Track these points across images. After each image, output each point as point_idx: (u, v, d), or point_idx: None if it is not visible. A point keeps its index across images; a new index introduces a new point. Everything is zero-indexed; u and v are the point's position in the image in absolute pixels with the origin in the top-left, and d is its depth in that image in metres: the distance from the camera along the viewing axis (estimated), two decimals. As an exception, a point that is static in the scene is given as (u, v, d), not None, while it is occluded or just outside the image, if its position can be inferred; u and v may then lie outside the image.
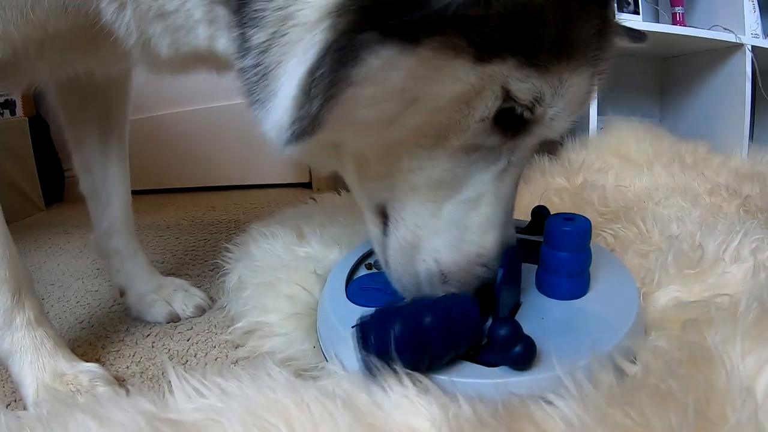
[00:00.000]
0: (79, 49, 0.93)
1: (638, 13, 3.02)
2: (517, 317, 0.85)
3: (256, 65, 0.66)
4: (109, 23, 0.81)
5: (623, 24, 0.82)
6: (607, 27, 0.70)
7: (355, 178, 0.82)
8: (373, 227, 0.86)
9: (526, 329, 0.75)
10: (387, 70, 0.60)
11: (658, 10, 3.39)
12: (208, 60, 0.85)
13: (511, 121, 0.70)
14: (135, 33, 0.80)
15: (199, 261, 1.73)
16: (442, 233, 0.79)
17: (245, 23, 0.67)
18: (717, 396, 0.62)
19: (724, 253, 1.08)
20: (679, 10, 3.20)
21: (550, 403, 0.65)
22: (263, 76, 0.65)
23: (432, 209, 0.78)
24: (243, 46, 0.68)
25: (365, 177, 0.81)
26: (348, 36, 0.57)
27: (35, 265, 1.86)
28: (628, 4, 2.97)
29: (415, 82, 0.62)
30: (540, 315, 0.86)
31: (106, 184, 1.29)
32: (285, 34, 0.63)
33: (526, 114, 0.69)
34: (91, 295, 1.48)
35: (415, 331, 0.70)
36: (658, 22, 3.34)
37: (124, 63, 0.91)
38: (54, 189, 3.12)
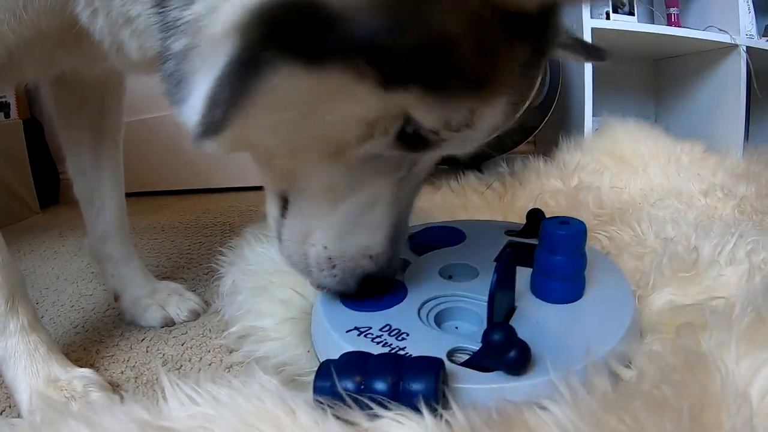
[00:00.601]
0: (66, 48, 0.93)
1: (633, 15, 3.02)
2: (512, 322, 0.84)
3: (176, 71, 0.68)
4: (85, 26, 0.82)
5: (582, 40, 0.78)
6: (537, 55, 0.66)
7: (262, 165, 0.85)
8: (272, 207, 0.89)
9: (521, 334, 0.74)
10: (287, 86, 0.60)
11: (653, 11, 3.39)
12: None
13: (416, 139, 0.69)
14: (108, 37, 0.82)
15: (194, 264, 1.73)
16: (335, 226, 0.83)
17: (166, 31, 0.69)
18: (712, 402, 0.62)
19: (719, 255, 1.08)
20: (674, 11, 3.20)
21: (544, 408, 0.65)
22: (181, 80, 0.67)
23: (328, 205, 0.81)
24: (165, 52, 0.70)
25: (271, 168, 0.83)
26: (251, 51, 0.57)
27: (30, 269, 1.86)
28: (623, 5, 2.98)
29: (315, 97, 0.63)
30: (535, 319, 0.85)
31: (100, 188, 1.29)
32: (198, 46, 0.64)
33: (432, 137, 0.68)
34: (86, 299, 1.48)
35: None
36: (653, 23, 3.35)
37: (107, 63, 0.91)
38: (49, 191, 3.12)
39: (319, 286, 0.90)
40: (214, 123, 0.61)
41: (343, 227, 0.83)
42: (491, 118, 0.66)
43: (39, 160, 2.97)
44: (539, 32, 0.64)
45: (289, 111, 0.65)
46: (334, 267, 0.85)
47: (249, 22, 0.56)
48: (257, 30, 0.56)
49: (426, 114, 0.64)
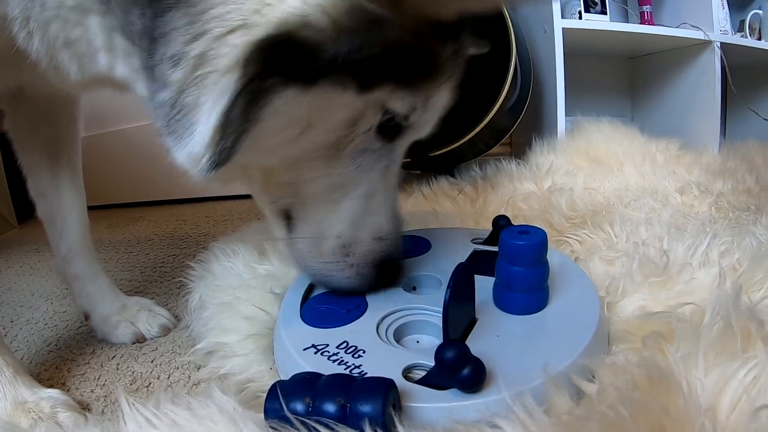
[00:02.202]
0: (8, 67, 0.93)
1: (606, 13, 3.02)
2: (472, 335, 0.84)
3: (174, 101, 0.71)
4: (22, 48, 0.83)
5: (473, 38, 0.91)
6: (460, 50, 0.85)
7: (260, 188, 0.93)
8: (277, 228, 0.97)
9: (480, 348, 0.75)
10: (289, 106, 0.71)
11: (626, 9, 3.40)
12: (111, 82, 0.88)
13: (391, 130, 0.86)
14: (45, 58, 0.83)
15: (167, 278, 1.72)
16: (343, 218, 0.92)
17: (160, 61, 0.71)
18: (674, 421, 0.61)
19: (692, 257, 1.08)
20: (647, 8, 3.20)
21: (497, 427, 0.65)
22: (180, 112, 0.71)
23: (333, 204, 0.91)
24: (159, 80, 0.72)
25: (271, 186, 0.91)
26: (256, 82, 0.67)
27: (5, 286, 1.84)
28: (595, 4, 2.98)
29: (311, 112, 0.75)
30: (495, 332, 0.85)
31: (61, 208, 1.29)
32: (202, 78, 0.69)
33: (403, 123, 0.86)
34: (59, 317, 1.47)
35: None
36: (626, 21, 3.36)
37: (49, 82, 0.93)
38: (26, 206, 3.09)
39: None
40: (225, 152, 0.70)
41: (351, 217, 0.92)
42: (440, 101, 0.87)
43: (16, 174, 2.94)
44: (457, 34, 0.82)
45: (290, 128, 0.76)
46: (349, 256, 0.94)
47: (251, 57, 0.65)
48: (259, 63, 0.66)
49: (398, 103, 0.81)
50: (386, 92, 0.78)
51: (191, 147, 0.71)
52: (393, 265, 1.00)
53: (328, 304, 0.97)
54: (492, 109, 2.23)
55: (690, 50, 3.12)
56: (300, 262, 0.99)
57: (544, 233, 0.90)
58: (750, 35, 3.36)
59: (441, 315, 0.78)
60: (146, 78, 0.75)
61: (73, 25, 0.78)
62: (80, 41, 0.80)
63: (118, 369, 1.15)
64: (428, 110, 0.86)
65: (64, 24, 0.78)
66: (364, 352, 0.82)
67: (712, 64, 3.01)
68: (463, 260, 1.04)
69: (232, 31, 0.66)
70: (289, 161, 0.84)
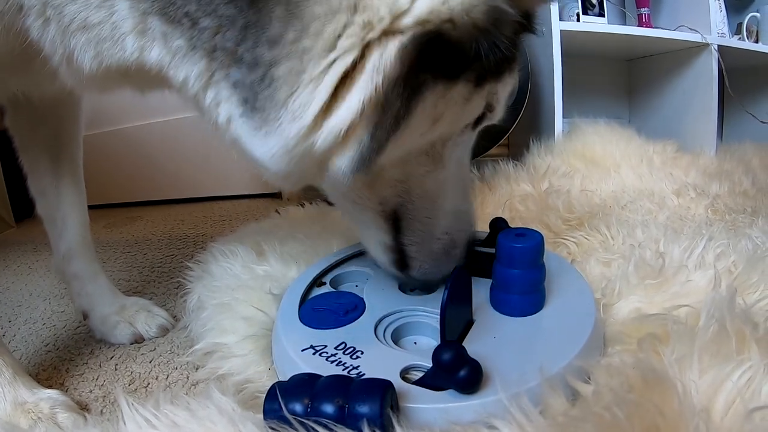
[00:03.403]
0: (16, 71, 0.92)
1: (603, 16, 3.02)
2: (469, 336, 0.85)
3: (269, 81, 0.69)
4: (36, 39, 0.80)
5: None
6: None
7: (366, 190, 0.89)
8: (381, 233, 0.95)
9: (477, 349, 0.75)
10: (435, 102, 0.73)
11: (624, 11, 3.40)
12: (133, 76, 0.84)
13: (477, 120, 0.86)
14: (60, 48, 0.80)
15: (165, 278, 1.72)
16: (448, 215, 0.94)
17: (251, 41, 0.69)
18: (668, 422, 0.62)
19: (688, 259, 1.09)
20: (644, 11, 3.20)
21: (494, 428, 0.66)
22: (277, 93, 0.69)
23: (439, 203, 0.92)
24: (244, 60, 0.70)
25: (380, 186, 0.88)
26: (412, 75, 0.67)
27: (3, 286, 1.84)
28: (593, 6, 2.98)
29: (445, 107, 0.76)
30: (492, 333, 0.86)
31: (61, 208, 1.29)
32: (328, 62, 0.67)
33: (488, 112, 0.85)
34: (57, 317, 1.47)
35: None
36: (624, 24, 3.36)
37: (57, 83, 0.90)
38: (24, 205, 3.08)
39: None
40: (376, 145, 0.70)
41: (454, 211, 0.95)
42: (511, 87, 0.87)
43: (14, 173, 2.94)
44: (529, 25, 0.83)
45: (425, 123, 0.76)
46: (455, 248, 0.97)
47: (409, 49, 0.65)
48: (412, 56, 0.66)
49: (496, 95, 0.83)
50: (492, 85, 0.80)
51: (290, 129, 0.69)
52: (471, 247, 1.02)
53: (326, 305, 0.97)
54: (490, 110, 2.23)
55: (687, 53, 3.12)
56: (419, 273, 0.98)
57: (541, 236, 0.91)
58: (747, 38, 3.36)
59: (438, 317, 0.79)
60: (202, 58, 0.72)
61: (95, 7, 0.75)
62: (102, 25, 0.76)
63: (116, 369, 1.15)
64: (503, 98, 0.87)
65: (85, 5, 0.75)
66: (362, 353, 0.83)
67: (710, 66, 3.02)
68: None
69: (381, 20, 0.65)
70: (406, 157, 0.84)
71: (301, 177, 0.78)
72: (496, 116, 0.90)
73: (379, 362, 0.80)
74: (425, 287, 1.00)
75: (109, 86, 0.94)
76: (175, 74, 0.75)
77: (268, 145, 0.70)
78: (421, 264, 0.96)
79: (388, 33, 0.65)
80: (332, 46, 0.66)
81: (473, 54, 0.69)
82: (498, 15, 0.69)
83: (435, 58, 0.68)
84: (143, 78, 0.82)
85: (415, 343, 0.92)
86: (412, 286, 1.01)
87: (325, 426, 0.66)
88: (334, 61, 0.66)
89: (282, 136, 0.69)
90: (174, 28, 0.71)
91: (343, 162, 0.71)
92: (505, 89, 0.85)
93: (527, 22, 0.80)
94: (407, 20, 0.65)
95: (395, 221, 0.92)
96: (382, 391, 0.68)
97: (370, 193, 0.89)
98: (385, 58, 0.65)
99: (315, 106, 0.67)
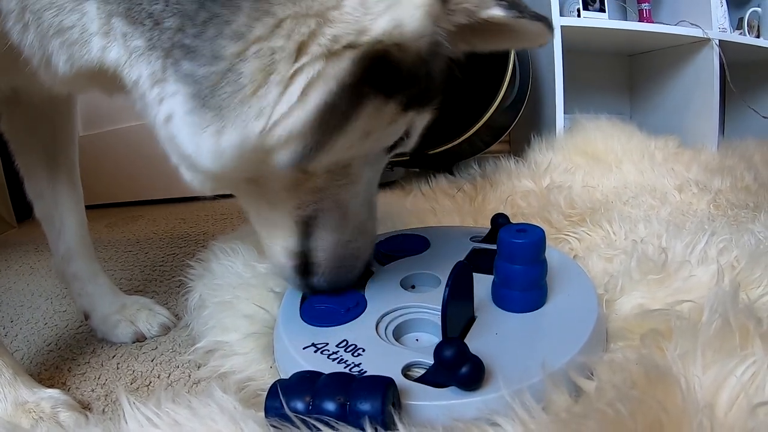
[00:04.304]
0: (4, 70, 0.92)
1: (604, 11, 3.01)
2: (471, 333, 0.85)
3: (236, 77, 0.69)
4: (16, 43, 0.81)
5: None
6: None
7: (287, 194, 0.89)
8: (289, 238, 0.95)
9: (479, 345, 0.75)
10: (371, 114, 0.76)
11: (625, 7, 3.40)
12: (99, 78, 0.84)
13: (395, 144, 0.90)
14: (38, 52, 0.81)
15: (166, 277, 1.72)
16: (357, 225, 0.96)
17: (210, 37, 0.69)
18: (672, 418, 0.61)
19: (691, 255, 1.08)
20: (645, 6, 3.20)
21: (496, 425, 0.65)
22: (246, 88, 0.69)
23: (350, 212, 0.94)
24: (203, 55, 0.70)
25: (302, 192, 0.89)
26: (359, 84, 0.70)
27: (5, 286, 1.84)
28: (594, 2, 2.97)
29: (376, 123, 0.79)
30: (494, 330, 0.85)
31: (59, 209, 1.29)
32: (285, 62, 0.69)
33: (404, 140, 0.90)
34: (59, 316, 1.47)
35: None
36: (625, 19, 3.36)
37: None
38: (25, 205, 3.08)
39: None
40: (318, 144, 0.74)
41: (362, 223, 0.97)
42: (423, 125, 0.91)
43: (15, 173, 2.94)
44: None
45: (358, 133, 0.78)
46: (357, 258, 0.99)
47: (361, 59, 0.69)
48: (362, 67, 0.69)
49: (414, 126, 0.87)
50: (414, 114, 0.84)
51: (265, 127, 0.70)
52: (370, 262, 1.06)
53: (328, 302, 0.97)
54: (491, 107, 2.24)
55: (688, 48, 3.12)
56: (322, 281, 0.99)
57: (542, 231, 0.91)
58: (748, 33, 3.36)
59: (440, 313, 0.79)
60: (159, 57, 0.72)
61: (68, 12, 0.76)
62: (74, 28, 0.77)
63: (118, 368, 1.15)
64: (418, 129, 0.91)
65: (59, 10, 0.76)
66: (363, 350, 0.82)
67: (711, 61, 3.02)
68: (462, 258, 1.04)
69: (347, 35, 0.68)
70: (332, 167, 0.86)
71: (235, 175, 0.80)
72: (409, 145, 0.93)
73: (381, 359, 0.80)
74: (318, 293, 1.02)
75: (80, 87, 0.97)
76: (129, 74, 0.76)
77: (219, 141, 0.71)
78: (324, 271, 0.97)
79: (348, 46, 0.68)
80: (304, 51, 0.68)
81: (410, 78, 0.75)
82: (438, 49, 0.77)
83: (379, 75, 0.72)
84: (108, 80, 0.82)
85: (417, 340, 0.91)
86: (308, 291, 1.02)
87: (326, 423, 0.66)
88: (304, 65, 0.68)
89: (242, 132, 0.70)
90: (135, 29, 0.72)
91: (284, 156, 0.74)
92: (422, 121, 0.89)
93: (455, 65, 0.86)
94: (365, 38, 0.68)
95: (306, 227, 0.93)
96: (383, 389, 0.67)
97: (291, 196, 0.89)
98: (342, 67, 0.69)
99: (283, 106, 0.69)
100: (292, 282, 1.00)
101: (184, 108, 0.71)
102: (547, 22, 0.90)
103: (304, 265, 0.96)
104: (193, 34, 0.69)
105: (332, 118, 0.71)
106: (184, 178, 0.84)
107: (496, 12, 0.81)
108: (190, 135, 0.72)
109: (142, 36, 0.72)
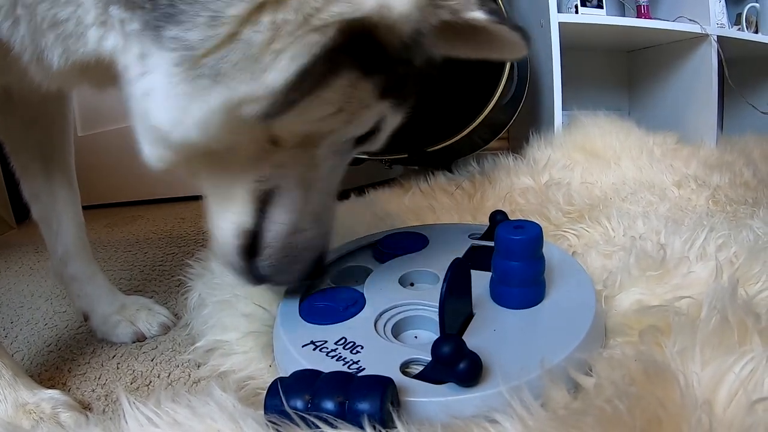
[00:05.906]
0: None
1: (602, 7, 3.01)
2: (469, 329, 0.85)
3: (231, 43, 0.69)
4: (5, 39, 0.80)
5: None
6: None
7: (250, 164, 0.87)
8: (243, 214, 0.91)
9: (477, 342, 0.75)
10: (346, 87, 0.77)
11: (623, 3, 3.40)
12: (92, 71, 0.84)
13: (363, 138, 0.91)
14: (30, 47, 0.80)
15: (166, 277, 1.72)
16: (315, 214, 0.95)
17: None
18: (670, 415, 0.61)
19: (689, 251, 1.08)
20: (643, 2, 3.19)
21: (494, 422, 0.65)
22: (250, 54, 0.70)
23: (311, 198, 0.93)
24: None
25: (265, 165, 0.87)
26: (337, 52, 0.70)
27: (5, 287, 1.85)
28: (591, -2, 2.98)
29: (351, 99, 0.79)
30: (492, 326, 0.85)
31: (56, 210, 1.29)
32: (276, 27, 0.69)
33: (374, 135, 0.91)
34: (59, 317, 1.47)
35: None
36: (623, 15, 3.36)
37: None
38: (24, 206, 3.08)
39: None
40: (288, 103, 0.71)
41: (321, 212, 0.95)
42: (398, 118, 0.92)
43: (14, 174, 2.93)
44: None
45: (328, 106, 0.79)
46: (308, 250, 0.96)
47: (344, 29, 0.69)
48: (344, 37, 0.69)
49: (385, 121, 0.89)
50: (389, 104, 0.86)
51: (249, 88, 0.70)
52: (322, 261, 1.01)
53: (326, 300, 0.97)
54: (489, 104, 2.23)
55: (687, 44, 3.12)
56: (270, 252, 0.94)
57: (539, 227, 0.91)
58: (747, 28, 3.36)
59: (438, 310, 0.79)
60: (149, 36, 0.71)
61: (63, 4, 0.75)
62: (69, 20, 0.76)
63: (118, 368, 1.15)
64: (389, 128, 0.93)
65: (53, 3, 0.75)
66: (362, 347, 0.83)
67: (709, 57, 3.01)
68: (460, 255, 1.04)
69: (348, 12, 0.69)
70: (298, 139, 0.84)
71: (211, 144, 0.77)
72: (377, 143, 0.94)
73: (379, 357, 0.80)
74: (260, 283, 0.98)
75: (72, 83, 0.96)
76: (123, 58, 0.75)
77: (209, 107, 0.71)
78: (271, 254, 0.93)
79: (340, 19, 0.69)
80: (308, 23, 0.68)
81: (390, 61, 0.77)
82: (421, 39, 0.78)
83: (360, 49, 0.73)
84: (102, 72, 0.82)
85: (415, 337, 0.92)
86: (249, 278, 0.97)
87: (325, 421, 0.66)
88: (302, 35, 0.69)
89: (231, 95, 0.70)
90: (133, 14, 0.71)
91: (254, 108, 0.71)
92: (393, 120, 0.91)
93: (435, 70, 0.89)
94: (356, 12, 0.69)
95: (262, 204, 0.91)
96: (382, 389, 0.68)
97: (254, 166, 0.87)
98: (329, 36, 0.69)
99: (274, 73, 0.69)
100: (234, 266, 0.95)
101: (169, 77, 0.70)
102: (525, 34, 0.93)
103: (250, 246, 0.92)
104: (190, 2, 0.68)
105: (308, 80, 0.70)
106: (143, 152, 0.83)
107: (478, 15, 0.85)
108: (172, 104, 0.71)
109: (139, 19, 0.71)
